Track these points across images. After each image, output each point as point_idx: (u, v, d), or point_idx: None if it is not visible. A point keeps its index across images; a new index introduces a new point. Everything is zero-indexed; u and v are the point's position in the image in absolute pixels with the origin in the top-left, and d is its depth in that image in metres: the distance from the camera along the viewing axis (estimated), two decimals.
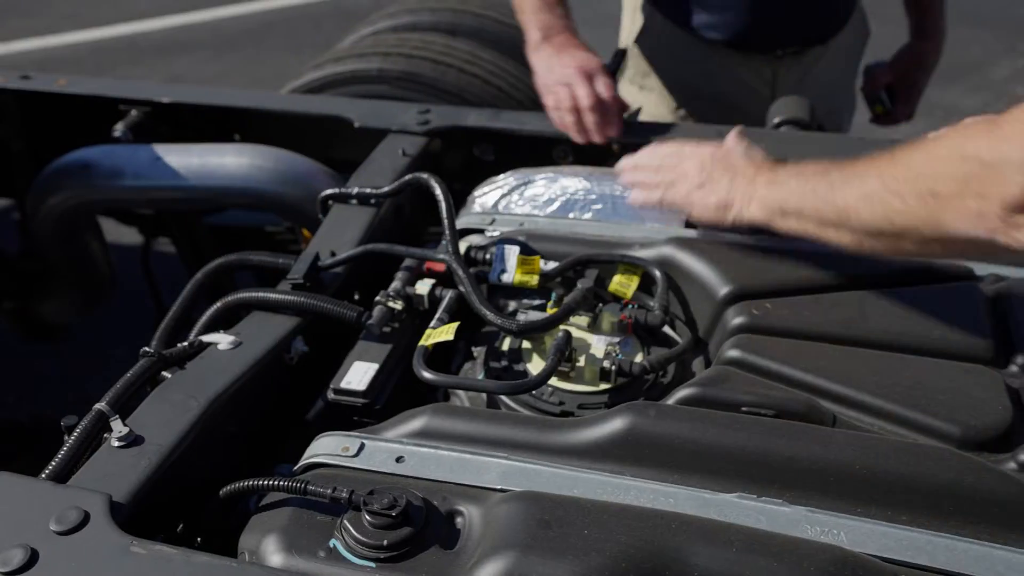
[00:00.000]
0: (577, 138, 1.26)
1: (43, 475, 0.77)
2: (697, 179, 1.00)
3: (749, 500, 0.74)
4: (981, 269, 0.98)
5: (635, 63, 1.61)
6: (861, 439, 0.76)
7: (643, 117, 1.53)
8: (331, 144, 1.40)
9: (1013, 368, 0.84)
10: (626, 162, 1.11)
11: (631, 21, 1.66)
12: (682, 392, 0.84)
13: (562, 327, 0.95)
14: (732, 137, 1.02)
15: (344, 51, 1.90)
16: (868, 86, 1.65)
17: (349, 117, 1.34)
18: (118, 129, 1.42)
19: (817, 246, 0.88)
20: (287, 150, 1.32)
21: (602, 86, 1.25)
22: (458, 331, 0.95)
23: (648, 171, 1.07)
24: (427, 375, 0.89)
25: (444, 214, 1.04)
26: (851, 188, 0.82)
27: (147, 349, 0.90)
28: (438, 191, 1.06)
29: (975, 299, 0.92)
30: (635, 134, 1.30)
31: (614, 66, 1.49)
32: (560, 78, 1.25)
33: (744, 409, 0.81)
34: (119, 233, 1.96)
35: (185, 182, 1.26)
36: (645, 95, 1.59)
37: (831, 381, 0.83)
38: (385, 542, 0.71)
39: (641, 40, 1.60)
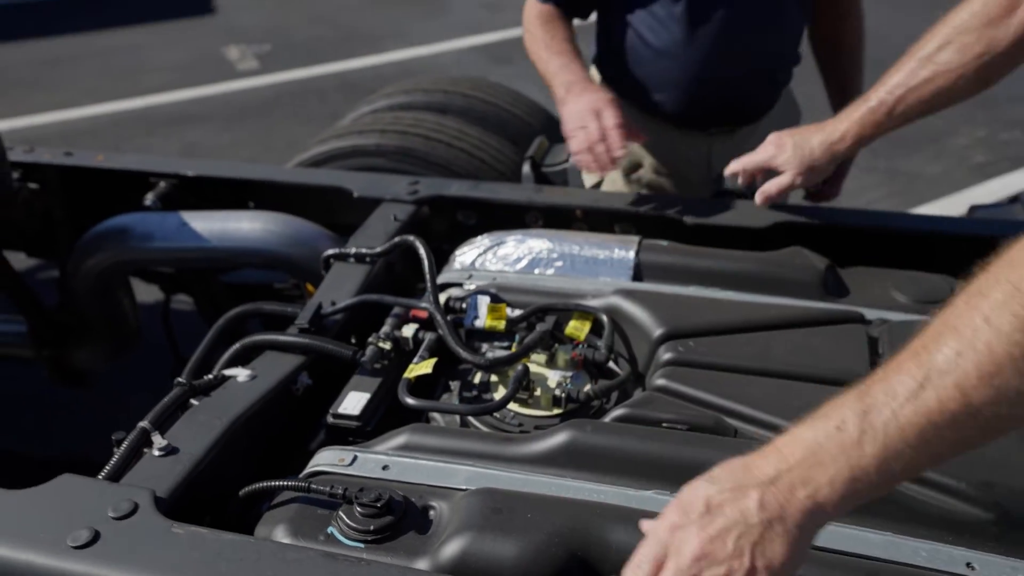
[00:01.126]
0: (595, 172, 1.46)
1: (100, 476, 0.96)
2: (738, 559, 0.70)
3: (663, 495, 0.92)
4: (871, 314, 1.18)
5: None
6: (753, 446, 0.95)
7: (604, 185, 1.75)
8: (333, 211, 1.62)
9: None
10: None
11: None
12: (615, 412, 1.03)
13: (523, 362, 1.14)
14: (685, 493, 0.76)
15: (345, 128, 2.13)
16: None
17: (349, 188, 1.56)
18: (149, 199, 1.64)
19: (734, 297, 1.08)
20: (295, 216, 1.54)
21: (608, 118, 1.44)
22: (436, 367, 1.14)
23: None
24: (410, 401, 1.08)
25: (426, 270, 1.25)
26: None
27: (180, 380, 1.09)
28: (422, 251, 1.27)
29: (859, 338, 1.11)
30: (599, 201, 1.52)
31: None
32: (578, 122, 1.46)
33: (663, 424, 1.00)
34: (140, 290, 2.17)
35: (208, 244, 1.47)
36: None
37: (736, 403, 1.02)
38: (372, 527, 0.89)
39: None
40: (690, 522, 0.73)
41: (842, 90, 1.84)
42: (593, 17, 1.74)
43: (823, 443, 0.71)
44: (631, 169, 1.76)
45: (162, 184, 1.67)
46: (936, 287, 1.26)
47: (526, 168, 1.69)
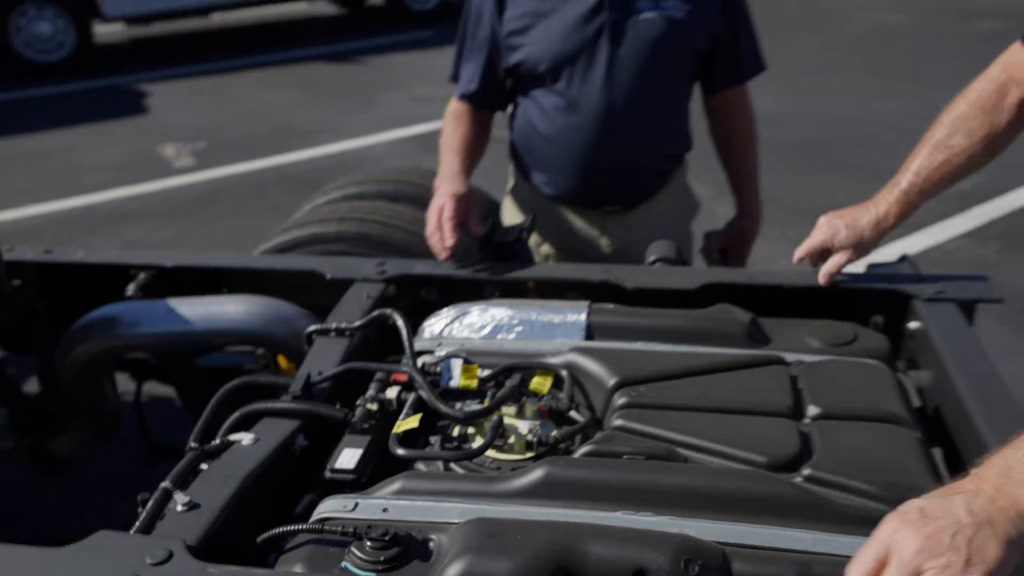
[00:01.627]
0: (436, 254, 1.71)
1: (132, 531, 1.07)
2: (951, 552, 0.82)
3: (630, 515, 1.08)
4: (790, 357, 1.39)
5: (512, 211, 2.06)
6: (702, 469, 1.13)
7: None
8: (306, 293, 1.76)
9: (805, 420, 1.23)
10: None
11: (511, 179, 2.13)
12: (583, 449, 1.20)
13: (496, 413, 1.30)
14: (911, 509, 0.88)
15: (304, 218, 2.29)
16: (705, 248, 2.10)
17: (322, 271, 1.72)
18: (130, 289, 1.76)
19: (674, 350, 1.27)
20: (274, 298, 1.68)
21: (445, 212, 1.69)
22: (421, 421, 1.29)
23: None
24: (401, 452, 1.23)
25: (404, 338, 1.41)
26: None
27: (192, 444, 1.22)
28: (400, 322, 1.43)
29: (781, 376, 1.31)
30: (549, 272, 1.72)
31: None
32: (430, 213, 1.72)
33: (624, 456, 1.17)
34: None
35: (196, 327, 1.60)
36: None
37: (684, 435, 1.20)
38: (382, 558, 1.03)
39: (512, 193, 2.08)
40: (908, 523, 0.85)
41: (736, 177, 2.09)
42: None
43: (1013, 466, 0.87)
44: (536, 244, 1.98)
45: (142, 276, 1.79)
46: (842, 333, 1.47)
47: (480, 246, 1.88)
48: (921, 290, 1.55)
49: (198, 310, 1.62)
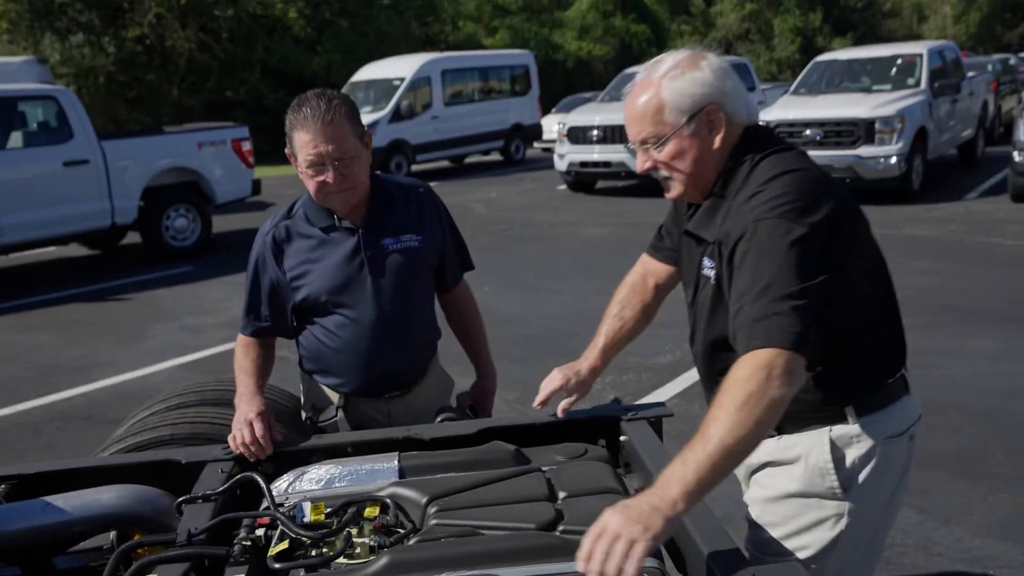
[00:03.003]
0: (249, 458, 2.09)
1: None
2: (650, 512, 1.46)
3: (461, 573, 1.58)
4: (544, 467, 1.99)
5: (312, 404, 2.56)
6: (497, 536, 1.67)
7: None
8: (162, 480, 2.12)
9: (558, 501, 1.82)
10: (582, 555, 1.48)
11: (304, 384, 2.61)
12: (413, 540, 1.70)
13: (344, 532, 1.76)
14: (608, 514, 1.49)
15: (135, 428, 2.62)
16: (459, 406, 2.73)
17: (177, 459, 2.11)
18: None
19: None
20: (137, 485, 2.03)
21: (257, 429, 2.09)
22: (282, 553, 1.72)
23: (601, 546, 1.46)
24: (277, 565, 1.65)
25: (266, 491, 1.85)
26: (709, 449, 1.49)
27: None
28: (261, 481, 1.87)
29: (540, 479, 1.91)
30: (362, 437, 2.23)
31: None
32: (236, 426, 2.15)
33: (442, 539, 1.68)
34: None
35: (72, 516, 1.89)
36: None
37: (480, 520, 1.74)
38: None
39: (308, 393, 2.56)
40: (614, 510, 1.48)
41: (473, 350, 2.73)
42: None
43: (669, 476, 1.50)
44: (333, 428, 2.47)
45: (3, 486, 2.06)
46: (576, 449, 2.11)
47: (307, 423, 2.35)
48: (624, 414, 2.25)
49: (73, 502, 1.93)
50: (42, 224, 9.01)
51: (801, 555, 1.88)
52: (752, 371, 1.56)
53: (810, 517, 1.88)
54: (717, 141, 1.82)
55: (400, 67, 17.46)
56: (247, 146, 10.88)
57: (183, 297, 8.16)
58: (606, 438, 2.28)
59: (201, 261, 9.81)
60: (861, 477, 1.84)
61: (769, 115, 11.26)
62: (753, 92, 15.20)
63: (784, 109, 11.62)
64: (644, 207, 12.05)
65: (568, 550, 1.61)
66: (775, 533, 1.92)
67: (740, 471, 2.06)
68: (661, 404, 2.33)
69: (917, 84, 11.63)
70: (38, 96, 9.52)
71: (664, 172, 1.87)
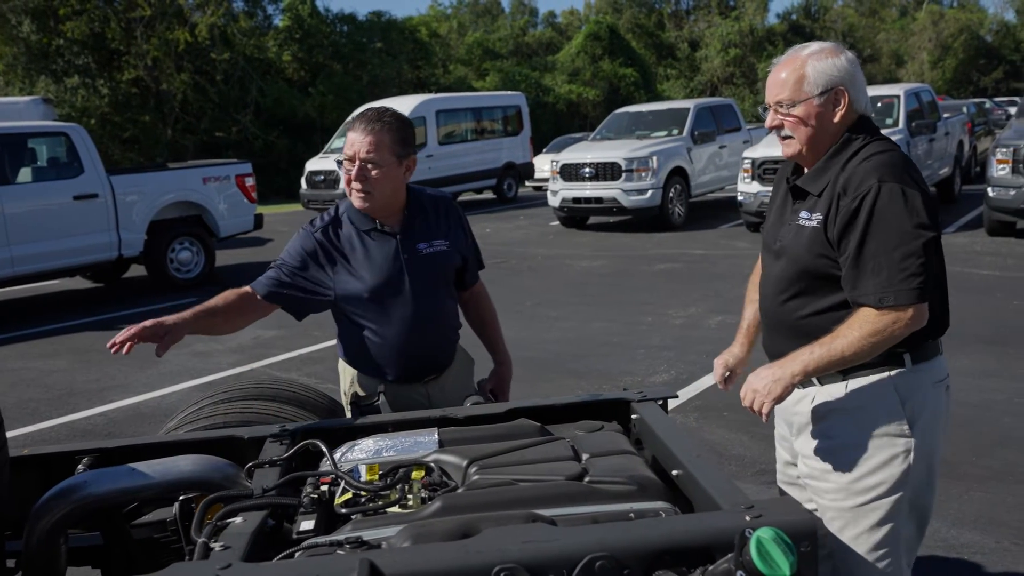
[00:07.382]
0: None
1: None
2: (775, 381, 2.10)
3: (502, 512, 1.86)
4: (567, 437, 2.27)
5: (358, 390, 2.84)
6: (535, 485, 1.95)
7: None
8: (226, 454, 2.39)
9: (582, 460, 2.10)
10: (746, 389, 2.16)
11: (347, 375, 2.91)
12: (460, 490, 1.97)
13: (398, 486, 2.03)
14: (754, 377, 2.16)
15: (191, 417, 2.88)
16: (480, 391, 3.03)
17: (240, 435, 2.37)
18: (80, 468, 2.28)
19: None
20: (208, 455, 2.30)
21: (138, 327, 2.23)
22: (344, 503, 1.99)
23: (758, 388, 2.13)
24: (345, 509, 1.92)
25: (328, 454, 2.12)
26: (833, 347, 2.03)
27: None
28: (323, 446, 2.15)
29: (565, 444, 2.18)
30: (402, 418, 2.50)
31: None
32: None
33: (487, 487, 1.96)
34: None
35: (155, 479, 2.15)
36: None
37: (517, 475, 2.01)
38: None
39: (349, 387, 2.85)
40: (754, 374, 2.15)
41: (490, 341, 3.04)
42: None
43: (793, 355, 2.11)
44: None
45: (87, 459, 2.32)
46: (594, 425, 2.39)
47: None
48: (634, 396, 2.54)
49: (155, 467, 2.19)
50: (51, 256, 9.27)
51: (880, 491, 2.17)
52: (883, 313, 2.03)
53: (883, 455, 2.16)
54: (838, 116, 2.17)
55: (396, 107, 17.87)
56: (250, 182, 11.22)
57: None
58: (618, 419, 2.56)
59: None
60: (922, 415, 2.15)
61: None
62: (739, 132, 15.70)
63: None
64: (636, 242, 12.43)
65: (594, 497, 1.90)
66: (852, 475, 2.19)
67: (792, 427, 2.37)
68: (666, 388, 2.62)
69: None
70: (51, 132, 9.85)
71: (788, 131, 2.22)
